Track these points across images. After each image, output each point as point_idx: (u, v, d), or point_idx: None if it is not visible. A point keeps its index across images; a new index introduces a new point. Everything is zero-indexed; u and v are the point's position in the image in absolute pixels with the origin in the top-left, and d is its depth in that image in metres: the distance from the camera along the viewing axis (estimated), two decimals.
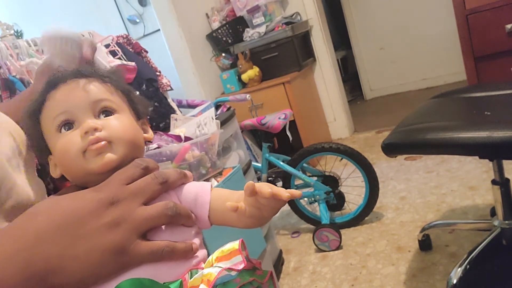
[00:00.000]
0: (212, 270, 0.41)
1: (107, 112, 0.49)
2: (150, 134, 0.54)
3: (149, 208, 0.43)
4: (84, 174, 0.46)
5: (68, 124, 0.47)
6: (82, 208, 0.42)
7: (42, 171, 0.61)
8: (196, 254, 0.46)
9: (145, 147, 1.34)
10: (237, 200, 0.47)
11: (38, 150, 0.51)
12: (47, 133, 0.49)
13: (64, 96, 0.48)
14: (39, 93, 0.50)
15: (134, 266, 0.42)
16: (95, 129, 0.46)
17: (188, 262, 0.45)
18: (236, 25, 2.74)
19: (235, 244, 0.43)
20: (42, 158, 0.51)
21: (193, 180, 0.51)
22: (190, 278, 0.43)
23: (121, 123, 0.48)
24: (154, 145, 1.26)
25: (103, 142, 0.45)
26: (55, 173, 0.50)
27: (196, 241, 0.48)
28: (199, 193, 0.49)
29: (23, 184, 0.53)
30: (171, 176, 0.47)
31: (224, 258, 0.43)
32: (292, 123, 2.45)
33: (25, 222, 0.41)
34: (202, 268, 0.44)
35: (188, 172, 0.50)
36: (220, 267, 0.41)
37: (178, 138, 1.34)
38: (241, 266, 0.41)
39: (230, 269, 0.41)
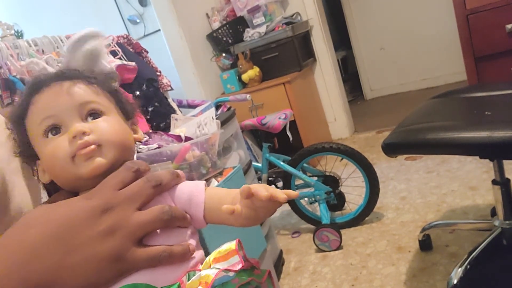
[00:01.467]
0: (209, 272, 0.41)
1: (95, 114, 0.47)
2: (140, 134, 0.53)
3: (144, 213, 0.43)
4: (74, 179, 0.45)
5: (55, 129, 0.46)
6: (75, 217, 0.41)
7: None
8: (193, 255, 0.45)
9: (144, 147, 1.34)
10: (233, 200, 0.46)
11: (25, 156, 0.49)
12: (33, 138, 0.47)
13: (49, 100, 0.46)
14: (22, 97, 0.48)
15: (131, 272, 0.42)
16: (83, 133, 0.44)
17: (185, 264, 0.44)
18: (236, 25, 2.74)
19: (232, 245, 0.43)
20: (30, 163, 0.50)
21: (194, 180, 0.51)
22: (188, 281, 0.42)
23: (109, 126, 0.47)
24: (155, 145, 1.26)
25: (92, 146, 0.44)
26: (44, 178, 0.49)
27: (192, 241, 0.47)
28: (194, 192, 0.48)
29: (21, 192, 0.52)
30: (164, 178, 0.46)
31: (222, 258, 0.42)
32: (293, 123, 2.45)
33: (18, 235, 0.41)
34: (200, 270, 0.44)
35: (180, 172, 0.49)
36: (218, 268, 0.41)
37: (178, 138, 1.34)
38: (238, 267, 0.41)
39: (227, 270, 0.41)
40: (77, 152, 0.44)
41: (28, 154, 0.49)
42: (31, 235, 0.40)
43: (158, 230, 0.44)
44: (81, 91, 0.48)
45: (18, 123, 0.48)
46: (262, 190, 0.42)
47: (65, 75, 0.49)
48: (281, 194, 0.42)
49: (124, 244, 0.41)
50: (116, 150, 0.46)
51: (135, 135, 0.52)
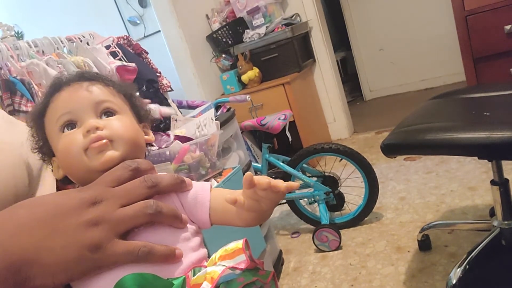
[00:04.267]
0: (215, 269, 0.41)
1: (109, 113, 0.50)
2: (151, 136, 0.55)
3: (127, 208, 0.43)
4: (86, 172, 0.47)
5: (71, 125, 0.48)
6: (64, 204, 0.42)
7: None
8: (181, 260, 0.44)
9: (147, 149, 1.34)
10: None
11: (42, 152, 0.51)
12: (50, 134, 0.49)
13: (67, 97, 0.49)
14: (44, 96, 0.51)
15: (110, 266, 0.42)
16: (97, 128, 0.47)
17: (171, 268, 0.43)
18: (236, 26, 2.74)
19: (238, 243, 0.43)
20: (46, 160, 0.52)
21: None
22: (193, 276, 0.43)
23: (122, 123, 0.49)
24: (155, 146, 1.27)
25: (104, 140, 0.46)
26: (58, 174, 0.50)
27: (196, 240, 0.48)
28: (199, 192, 0.49)
29: (49, 187, 0.54)
30: (163, 180, 0.47)
31: (228, 257, 0.43)
32: (292, 124, 2.46)
33: (6, 214, 0.42)
34: (205, 266, 0.44)
35: (187, 180, 0.49)
36: (224, 265, 0.41)
37: (180, 138, 1.34)
38: (243, 265, 0.41)
39: (233, 268, 0.41)
40: (90, 145, 0.46)
41: (45, 151, 0.51)
42: (18, 215, 0.41)
43: (154, 229, 0.44)
44: (98, 90, 0.50)
45: (38, 120, 0.51)
46: (264, 179, 0.43)
47: (85, 76, 0.52)
48: (282, 183, 0.44)
49: (105, 236, 0.41)
50: (127, 146, 0.48)
51: (146, 137, 0.54)
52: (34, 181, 0.53)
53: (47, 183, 0.56)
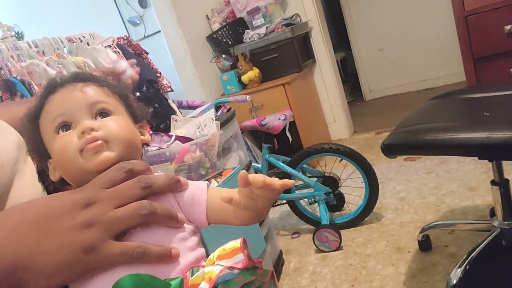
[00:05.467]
0: (213, 268, 0.41)
1: (104, 114, 0.49)
2: (147, 136, 0.55)
3: (121, 209, 0.43)
4: (82, 174, 0.47)
5: (66, 126, 0.48)
6: (57, 206, 0.42)
7: (41, 174, 0.61)
8: (178, 260, 0.44)
9: (143, 149, 1.34)
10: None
11: (38, 155, 0.51)
12: (46, 136, 0.49)
13: (62, 99, 0.49)
14: (38, 98, 0.51)
15: (106, 267, 0.41)
16: (92, 129, 0.47)
17: (168, 268, 0.43)
18: (236, 27, 2.74)
19: (236, 243, 0.43)
20: (42, 162, 0.52)
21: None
22: (191, 276, 0.43)
23: (117, 124, 0.49)
24: (155, 147, 1.27)
25: (99, 141, 0.46)
26: (54, 176, 0.50)
27: (193, 240, 0.48)
28: (196, 191, 0.49)
29: (19, 192, 0.53)
30: (157, 181, 0.46)
31: (226, 256, 0.43)
32: (292, 124, 2.46)
33: (1, 217, 0.42)
34: (203, 266, 0.44)
35: (183, 179, 0.49)
36: (222, 265, 0.41)
37: (181, 138, 1.34)
38: (241, 265, 0.41)
39: (232, 268, 0.41)
40: (85, 147, 0.46)
41: (40, 153, 0.51)
42: (11, 218, 0.41)
43: (151, 230, 0.44)
44: (93, 91, 0.50)
45: (33, 122, 0.50)
46: (259, 177, 0.44)
47: (79, 77, 0.52)
48: (278, 181, 0.44)
49: (99, 237, 0.41)
50: (122, 147, 0.48)
51: (142, 137, 0.54)
52: (6, 175, 0.52)
53: (27, 177, 0.55)
